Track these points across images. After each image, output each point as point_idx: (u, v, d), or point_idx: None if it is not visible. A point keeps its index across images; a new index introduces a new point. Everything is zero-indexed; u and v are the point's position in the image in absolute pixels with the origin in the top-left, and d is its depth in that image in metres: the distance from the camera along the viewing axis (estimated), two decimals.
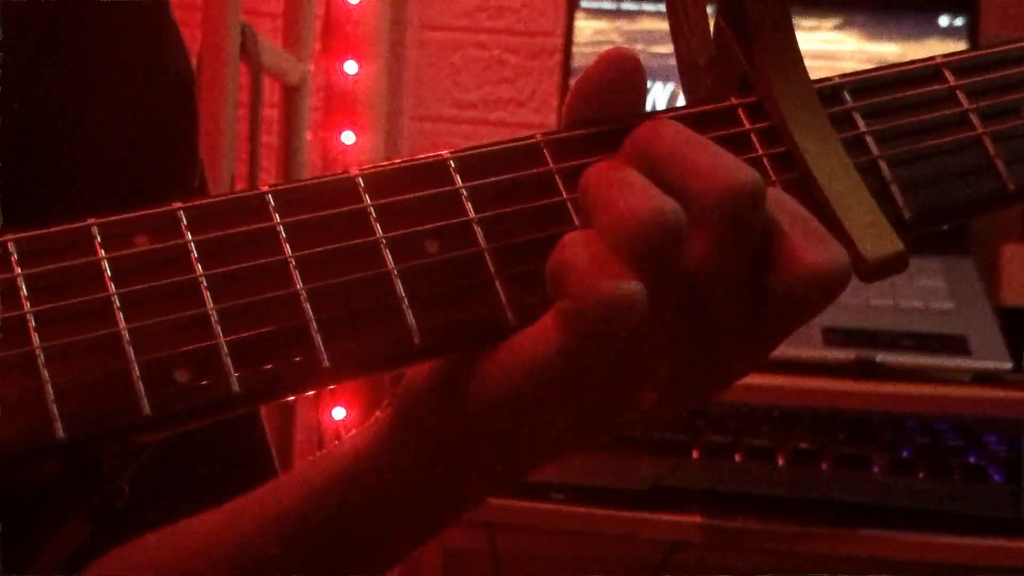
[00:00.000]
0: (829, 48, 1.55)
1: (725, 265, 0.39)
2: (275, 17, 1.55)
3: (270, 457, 0.65)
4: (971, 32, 1.56)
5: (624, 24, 1.61)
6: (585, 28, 1.61)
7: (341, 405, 1.43)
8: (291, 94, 1.47)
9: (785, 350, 1.25)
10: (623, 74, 0.42)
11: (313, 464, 0.49)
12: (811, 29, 1.56)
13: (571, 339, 0.38)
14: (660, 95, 1.59)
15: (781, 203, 0.40)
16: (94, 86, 0.58)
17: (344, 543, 0.48)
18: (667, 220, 0.38)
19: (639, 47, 1.60)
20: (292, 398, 0.41)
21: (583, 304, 0.38)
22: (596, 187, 0.40)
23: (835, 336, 1.32)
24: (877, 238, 0.41)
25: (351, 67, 1.55)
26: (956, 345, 1.32)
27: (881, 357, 1.29)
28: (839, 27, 1.56)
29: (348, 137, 1.55)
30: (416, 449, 0.44)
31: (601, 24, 1.61)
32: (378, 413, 0.47)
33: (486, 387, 0.40)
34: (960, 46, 1.52)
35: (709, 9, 0.45)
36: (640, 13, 1.60)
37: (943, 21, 1.56)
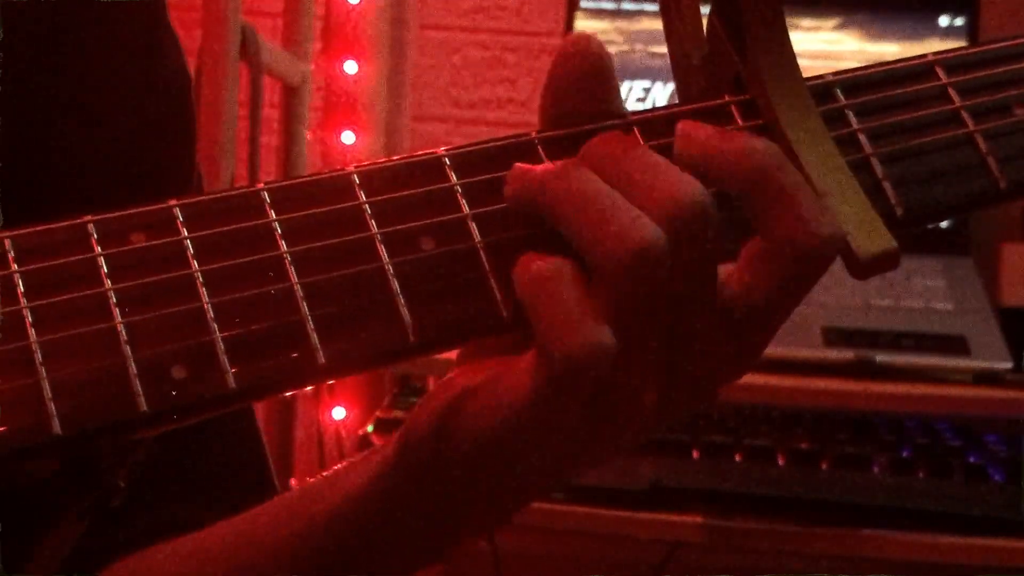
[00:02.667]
0: (829, 48, 1.55)
1: (700, 285, 0.39)
2: (275, 17, 1.55)
3: (266, 461, 0.65)
4: (971, 32, 1.56)
5: (624, 24, 1.61)
6: (585, 28, 1.61)
7: (341, 405, 1.43)
8: (291, 94, 1.47)
9: (785, 350, 1.27)
10: (587, 62, 0.42)
11: (311, 493, 0.49)
12: (811, 29, 1.56)
13: (541, 392, 0.38)
14: (660, 95, 1.59)
15: (784, 169, 0.40)
16: (92, 86, 0.58)
17: (341, 571, 0.48)
18: (655, 250, 0.38)
19: (639, 47, 1.60)
20: (289, 394, 0.41)
21: (555, 358, 0.38)
22: (573, 201, 0.39)
23: (835, 336, 1.32)
24: (869, 235, 0.41)
25: (351, 67, 1.55)
26: (956, 345, 1.32)
27: (881, 357, 1.29)
28: (839, 27, 1.56)
29: (348, 137, 1.55)
30: (409, 498, 0.45)
31: (601, 24, 1.61)
32: (370, 455, 0.47)
33: (468, 432, 0.41)
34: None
35: (703, 8, 0.45)
36: (640, 13, 1.60)
37: (943, 21, 1.56)
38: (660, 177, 0.39)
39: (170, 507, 0.56)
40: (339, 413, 1.43)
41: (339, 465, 0.50)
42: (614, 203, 0.38)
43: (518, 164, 0.40)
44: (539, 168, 0.40)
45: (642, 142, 0.41)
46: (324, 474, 0.50)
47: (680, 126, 0.41)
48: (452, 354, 0.44)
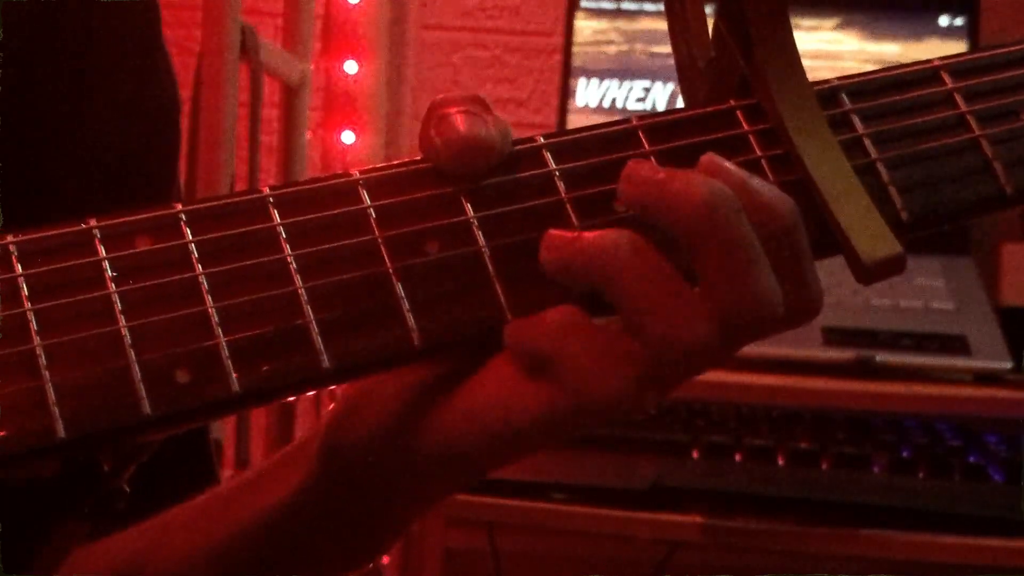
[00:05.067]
0: (829, 48, 1.55)
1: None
2: (275, 17, 1.55)
3: (210, 455, 0.64)
4: (971, 32, 1.56)
5: (624, 24, 1.61)
6: (585, 28, 1.61)
7: None
8: (291, 94, 1.47)
9: (785, 350, 1.26)
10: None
11: (237, 495, 0.49)
12: (811, 29, 1.56)
13: (555, 422, 0.39)
14: (660, 95, 1.59)
15: (728, 221, 0.39)
16: (86, 91, 0.58)
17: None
18: (709, 353, 0.38)
19: (639, 47, 1.60)
20: (292, 399, 0.41)
21: (587, 403, 0.38)
22: (627, 281, 0.38)
23: (835, 336, 1.32)
24: (875, 240, 0.41)
25: (351, 67, 1.55)
26: (956, 345, 1.32)
27: (881, 357, 1.29)
28: (839, 27, 1.56)
29: (348, 137, 1.55)
30: (338, 504, 0.45)
31: (601, 24, 1.61)
32: (285, 462, 0.47)
33: (440, 441, 0.41)
34: (960, 46, 1.53)
35: (708, 11, 0.45)
36: (640, 13, 1.60)
37: (943, 21, 1.56)
38: (753, 277, 0.38)
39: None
40: None
41: (262, 465, 0.49)
42: (670, 293, 0.38)
43: (554, 232, 0.40)
44: (587, 238, 0.39)
45: (742, 214, 0.39)
46: (249, 475, 0.49)
47: (707, 163, 0.40)
48: None
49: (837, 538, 1.13)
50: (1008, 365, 1.28)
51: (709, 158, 0.40)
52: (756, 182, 0.40)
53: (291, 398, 0.40)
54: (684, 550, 1.27)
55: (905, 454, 1.20)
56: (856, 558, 1.15)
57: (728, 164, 0.40)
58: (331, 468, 0.44)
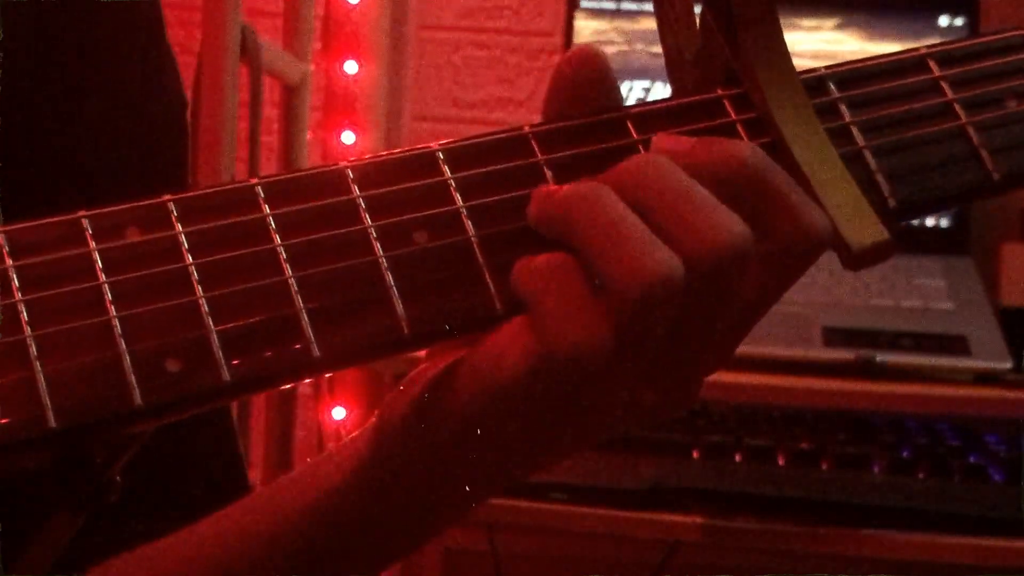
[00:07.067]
0: (829, 48, 1.55)
1: (714, 315, 0.39)
2: (275, 17, 1.55)
3: (240, 460, 0.64)
4: (971, 32, 1.56)
5: (624, 24, 1.61)
6: (585, 28, 1.61)
7: (341, 405, 1.43)
8: (291, 94, 1.47)
9: (785, 350, 1.26)
10: (591, 71, 0.42)
11: (282, 490, 0.49)
12: (811, 29, 1.56)
13: (532, 374, 0.38)
14: (660, 95, 1.59)
15: (774, 169, 0.40)
16: (89, 92, 0.58)
17: (311, 568, 0.48)
18: (672, 285, 0.37)
19: (639, 47, 1.60)
20: (289, 395, 0.41)
21: (551, 350, 0.38)
22: (588, 217, 0.38)
23: (835, 336, 1.32)
24: (862, 227, 0.41)
25: (351, 67, 1.56)
26: (956, 345, 1.32)
27: (881, 357, 1.29)
28: (839, 27, 1.56)
29: (348, 137, 1.56)
30: (385, 490, 0.45)
31: (601, 24, 1.61)
32: (341, 449, 0.47)
33: (455, 410, 0.41)
34: None
35: (695, 3, 0.45)
36: (640, 13, 1.60)
37: (943, 21, 1.56)
38: (701, 211, 0.38)
39: (157, 519, 0.56)
40: (339, 413, 1.43)
41: (309, 461, 0.49)
42: (632, 231, 0.38)
43: (543, 187, 0.40)
44: (564, 189, 0.40)
45: (677, 167, 0.40)
46: (294, 473, 0.50)
47: (656, 141, 0.41)
48: None
49: (837, 538, 1.14)
50: (1008, 365, 1.28)
51: (657, 138, 0.41)
52: (709, 139, 0.40)
53: (283, 387, 0.41)
54: (684, 550, 1.27)
55: (905, 454, 1.20)
56: (856, 558, 1.15)
57: (675, 138, 0.41)
58: (376, 454, 0.44)
